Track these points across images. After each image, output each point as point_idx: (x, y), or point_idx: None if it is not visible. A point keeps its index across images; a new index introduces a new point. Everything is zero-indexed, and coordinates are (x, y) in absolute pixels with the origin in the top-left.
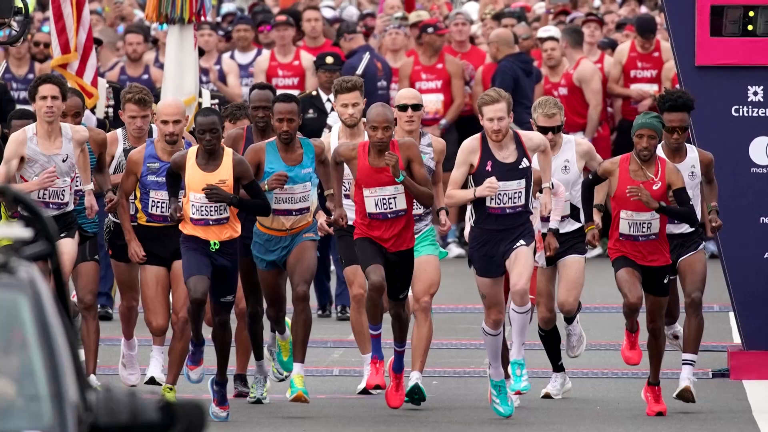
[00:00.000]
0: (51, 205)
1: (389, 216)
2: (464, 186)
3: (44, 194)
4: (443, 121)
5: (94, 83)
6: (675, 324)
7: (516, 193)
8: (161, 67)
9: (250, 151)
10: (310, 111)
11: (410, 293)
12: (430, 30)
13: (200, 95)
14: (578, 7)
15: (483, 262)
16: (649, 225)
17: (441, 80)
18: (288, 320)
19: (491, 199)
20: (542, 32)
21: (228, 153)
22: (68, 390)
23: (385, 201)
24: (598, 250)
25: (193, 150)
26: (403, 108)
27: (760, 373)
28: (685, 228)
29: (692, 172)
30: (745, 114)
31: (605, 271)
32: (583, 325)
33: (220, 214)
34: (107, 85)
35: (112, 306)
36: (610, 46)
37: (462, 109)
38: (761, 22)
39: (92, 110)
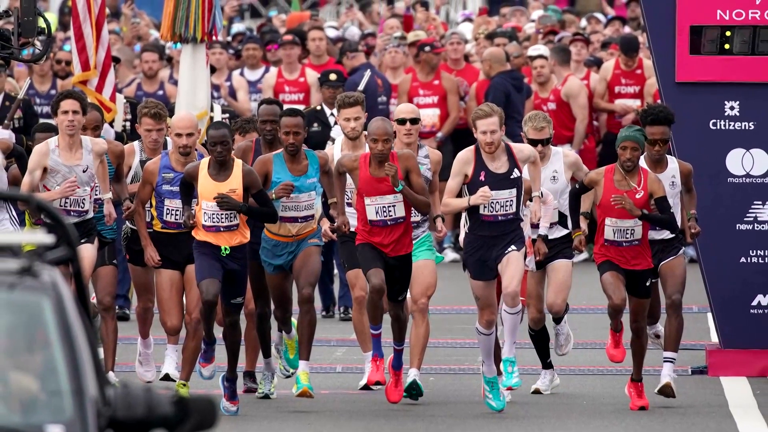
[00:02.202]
0: (72, 213)
1: (389, 223)
2: (459, 195)
3: (66, 202)
4: (439, 134)
5: (113, 98)
6: (656, 324)
7: (508, 201)
8: (175, 83)
9: (259, 162)
10: (315, 124)
11: (408, 295)
12: (427, 49)
13: (212, 110)
14: (566, 28)
15: (477, 266)
16: (632, 231)
17: (437, 96)
18: (294, 320)
19: (484, 207)
20: (532, 51)
21: (238, 164)
22: (88, 386)
23: (384, 209)
24: (584, 255)
25: (205, 161)
26: (401, 122)
27: (736, 370)
28: (666, 234)
29: (673, 182)
30: (722, 127)
31: (591, 275)
32: (571, 325)
33: (231, 221)
34: (125, 101)
35: (130, 307)
36: (596, 63)
37: (457, 122)
38: (737, 41)
39: (111, 124)
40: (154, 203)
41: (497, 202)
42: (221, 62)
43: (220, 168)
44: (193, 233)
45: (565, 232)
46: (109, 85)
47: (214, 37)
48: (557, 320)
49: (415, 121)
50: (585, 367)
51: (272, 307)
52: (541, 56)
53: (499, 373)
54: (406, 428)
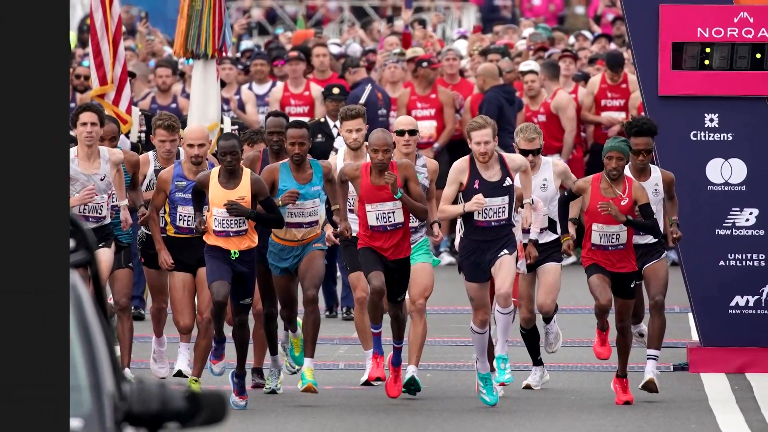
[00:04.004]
0: (90, 219)
1: (388, 228)
2: (455, 202)
3: (84, 209)
4: (436, 145)
5: (129, 111)
6: (640, 323)
7: (500, 208)
8: (187, 97)
9: (266, 171)
10: (319, 136)
11: (407, 296)
12: (424, 64)
13: (222, 122)
14: (555, 44)
15: (471, 269)
16: (618, 236)
17: (434, 108)
18: (299, 320)
19: (478, 213)
20: (523, 66)
21: (246, 173)
22: (105, 381)
23: (384, 215)
24: (572, 259)
25: (215, 170)
26: (400, 133)
27: (715, 367)
28: (649, 239)
29: (656, 190)
30: (702, 138)
31: (579, 277)
32: (560, 324)
33: (240, 226)
34: (140, 113)
35: (144, 307)
36: (583, 78)
37: (453, 134)
38: (716, 57)
39: (127, 135)
40: (167, 210)
41: (490, 208)
42: (231, 77)
43: (230, 176)
44: (204, 238)
45: (554, 236)
46: (125, 99)
47: (224, 53)
48: (547, 320)
49: (413, 132)
50: (573, 364)
51: (279, 307)
52: (531, 71)
53: (493, 369)
54: (404, 422)
